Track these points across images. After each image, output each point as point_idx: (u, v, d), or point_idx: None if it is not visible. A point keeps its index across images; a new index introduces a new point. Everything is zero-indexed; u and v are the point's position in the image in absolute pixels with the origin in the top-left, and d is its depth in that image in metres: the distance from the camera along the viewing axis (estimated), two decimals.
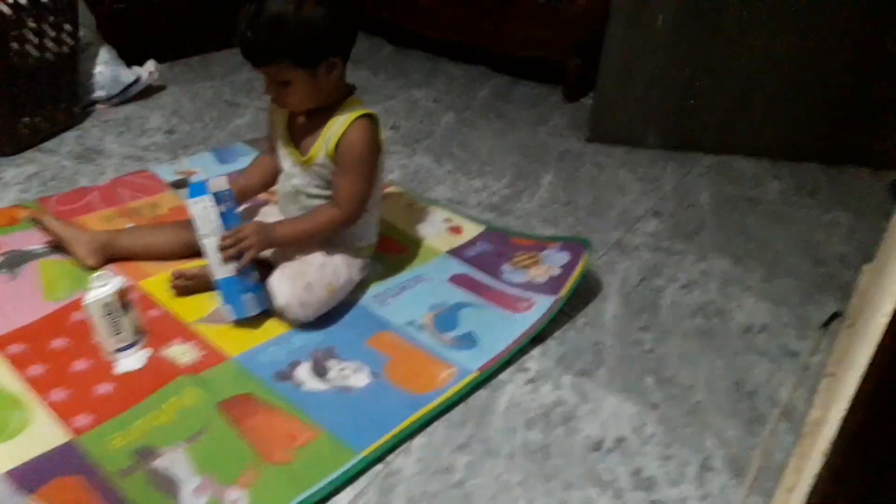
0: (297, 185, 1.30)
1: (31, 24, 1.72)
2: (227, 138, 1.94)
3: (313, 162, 1.25)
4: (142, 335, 1.17)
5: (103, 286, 1.10)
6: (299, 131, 1.28)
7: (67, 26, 1.80)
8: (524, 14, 2.41)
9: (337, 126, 1.22)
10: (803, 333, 1.35)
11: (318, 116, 1.24)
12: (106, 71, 1.98)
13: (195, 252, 1.36)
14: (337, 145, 1.22)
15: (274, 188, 1.38)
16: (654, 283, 1.48)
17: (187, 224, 1.36)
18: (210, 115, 2.07)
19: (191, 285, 1.30)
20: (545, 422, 1.10)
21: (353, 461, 0.99)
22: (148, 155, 1.80)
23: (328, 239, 1.29)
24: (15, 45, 1.69)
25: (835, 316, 1.38)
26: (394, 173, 1.86)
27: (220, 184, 1.22)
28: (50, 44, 1.76)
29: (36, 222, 1.34)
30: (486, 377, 1.17)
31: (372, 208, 1.33)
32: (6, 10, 1.65)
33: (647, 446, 1.08)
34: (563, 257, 1.43)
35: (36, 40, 1.72)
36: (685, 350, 1.29)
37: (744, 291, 1.48)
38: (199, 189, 1.19)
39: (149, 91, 2.13)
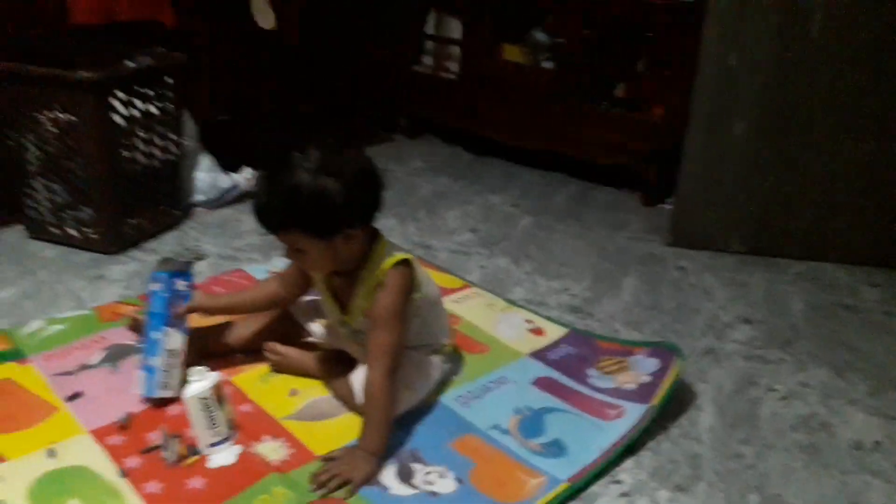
0: (347, 333, 1.29)
1: (142, 134, 1.86)
2: None
3: (355, 320, 1.24)
4: (235, 430, 1.18)
5: (201, 381, 1.13)
6: (338, 289, 1.25)
7: (173, 136, 1.94)
8: (601, 122, 2.47)
9: (366, 285, 1.19)
10: None
11: (351, 275, 1.21)
12: (205, 177, 2.11)
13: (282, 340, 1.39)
14: (373, 300, 1.18)
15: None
16: (750, 393, 1.41)
17: (271, 314, 1.40)
18: None
19: (281, 361, 1.34)
20: None
21: None
22: (241, 255, 1.89)
23: None
24: (125, 153, 1.83)
25: None
26: (473, 274, 1.88)
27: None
28: (157, 152, 1.91)
29: (131, 326, 1.40)
30: (577, 489, 1.12)
31: (433, 306, 1.31)
32: (120, 121, 1.80)
33: None
34: (653, 364, 1.39)
35: (145, 149, 1.87)
36: (790, 466, 1.21)
37: (849, 405, 1.39)
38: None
39: (244, 196, 2.24)
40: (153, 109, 1.86)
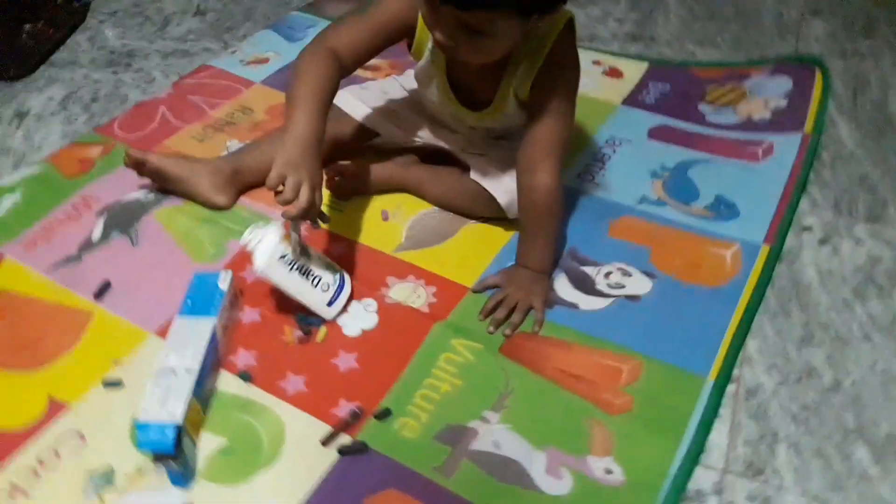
0: (475, 127, 0.99)
1: None
2: (275, 8, 1.54)
3: (499, 114, 0.92)
4: (341, 272, 0.89)
5: (263, 240, 0.81)
6: (471, 77, 0.91)
7: None
8: None
9: (530, 61, 0.85)
10: None
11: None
12: None
13: (342, 150, 1.06)
14: (535, 79, 0.86)
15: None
16: (868, 93, 1.25)
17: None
18: None
19: (353, 185, 1.03)
20: (874, 286, 0.91)
21: (706, 389, 0.78)
22: (192, 47, 1.41)
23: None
24: None
25: None
26: None
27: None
28: None
29: (135, 165, 1.01)
30: (778, 249, 0.95)
31: None
32: None
33: None
34: (783, 84, 1.18)
35: None
36: None
37: None
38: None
39: None
40: None
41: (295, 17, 1.48)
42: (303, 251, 0.85)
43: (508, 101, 0.90)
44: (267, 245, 0.81)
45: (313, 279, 0.85)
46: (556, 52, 0.84)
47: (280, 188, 0.76)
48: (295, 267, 0.83)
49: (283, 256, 0.82)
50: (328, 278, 0.86)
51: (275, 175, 0.76)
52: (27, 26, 1.30)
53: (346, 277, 0.89)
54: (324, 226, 0.89)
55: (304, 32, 1.42)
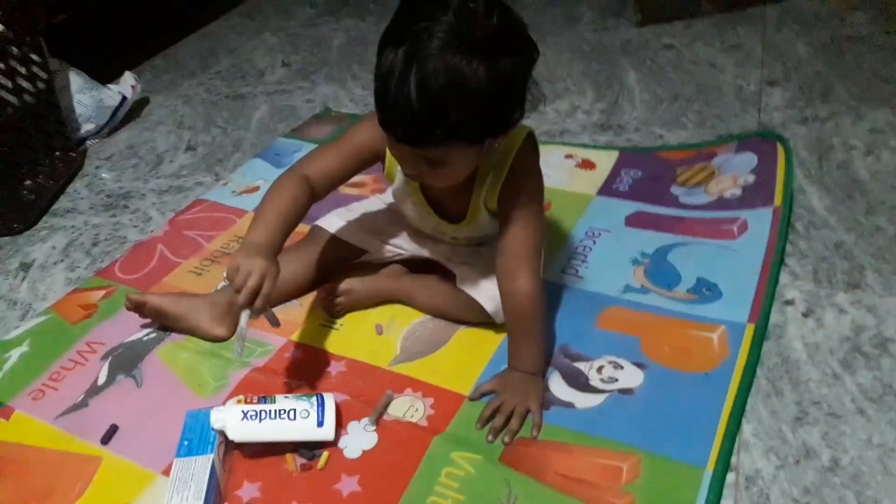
0: (456, 237, 1.04)
1: (0, 65, 1.35)
2: (261, 136, 1.62)
3: (474, 225, 0.98)
4: (315, 394, 0.90)
5: (226, 416, 0.85)
6: (442, 193, 0.96)
7: (35, 56, 1.42)
8: None
9: (495, 174, 0.91)
10: None
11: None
12: (86, 98, 1.61)
13: (332, 270, 1.11)
14: (501, 191, 0.91)
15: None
16: (833, 156, 1.29)
17: (304, 246, 1.10)
18: (221, 115, 1.74)
19: (346, 302, 1.06)
20: (861, 355, 0.92)
21: (706, 481, 0.79)
22: (185, 182, 1.48)
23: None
24: None
25: None
26: None
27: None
28: (24, 83, 1.39)
29: (135, 307, 1.05)
30: (763, 326, 0.97)
31: None
32: None
33: None
34: (749, 160, 1.23)
35: (9, 83, 1.36)
36: None
37: None
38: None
39: (133, 110, 1.76)
40: None
41: (281, 143, 1.56)
42: (268, 399, 0.87)
43: (481, 212, 0.94)
44: (231, 416, 0.85)
45: (289, 414, 0.86)
46: (518, 165, 0.89)
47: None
48: (265, 416, 0.86)
49: (245, 414, 0.85)
50: (302, 405, 0.87)
51: (230, 266, 0.82)
52: (28, 182, 1.38)
53: (325, 395, 0.90)
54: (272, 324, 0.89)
55: (290, 157, 1.49)
